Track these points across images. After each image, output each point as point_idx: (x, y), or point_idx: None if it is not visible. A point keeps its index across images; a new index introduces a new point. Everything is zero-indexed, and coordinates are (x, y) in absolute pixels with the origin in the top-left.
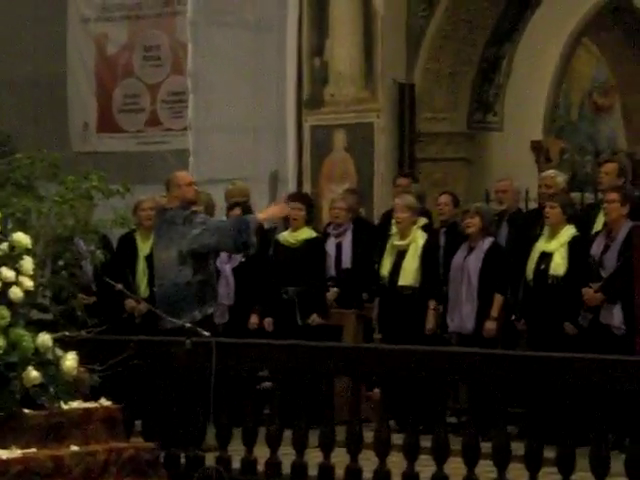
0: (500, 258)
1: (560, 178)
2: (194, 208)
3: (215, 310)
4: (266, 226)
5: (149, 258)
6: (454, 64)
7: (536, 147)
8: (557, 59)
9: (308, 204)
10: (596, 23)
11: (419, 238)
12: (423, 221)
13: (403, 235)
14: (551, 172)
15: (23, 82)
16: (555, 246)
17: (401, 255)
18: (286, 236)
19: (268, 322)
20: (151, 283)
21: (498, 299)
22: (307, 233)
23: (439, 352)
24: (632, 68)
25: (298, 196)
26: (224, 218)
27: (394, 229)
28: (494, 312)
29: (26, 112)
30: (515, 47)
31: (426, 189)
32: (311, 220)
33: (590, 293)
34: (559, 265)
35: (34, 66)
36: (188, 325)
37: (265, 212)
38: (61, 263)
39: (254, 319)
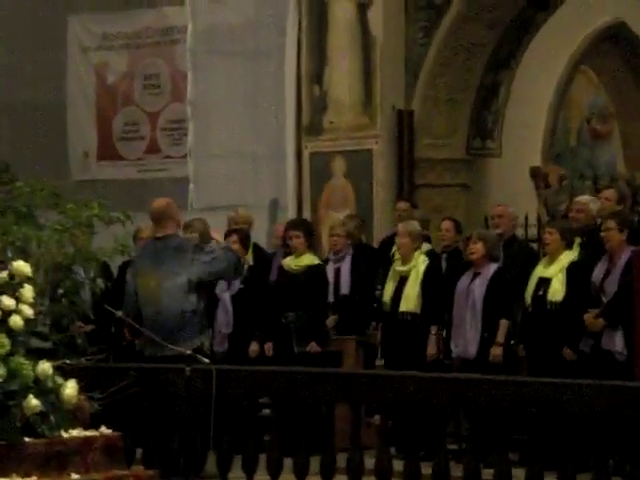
0: (505, 283)
1: (592, 205)
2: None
3: (213, 338)
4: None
5: None
6: (452, 91)
7: (535, 173)
8: (555, 85)
9: (307, 230)
10: (594, 50)
11: (421, 263)
12: (426, 247)
13: (405, 260)
14: (585, 198)
15: (23, 110)
16: (553, 272)
17: (403, 281)
18: (289, 262)
19: (268, 347)
20: None
21: (504, 324)
22: (309, 259)
23: (439, 378)
24: (630, 95)
25: (296, 223)
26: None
27: (397, 254)
28: (500, 337)
29: (26, 140)
30: (513, 73)
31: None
32: (312, 246)
33: (590, 319)
34: (557, 291)
35: (34, 94)
36: (188, 352)
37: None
38: (61, 291)
39: (254, 346)
